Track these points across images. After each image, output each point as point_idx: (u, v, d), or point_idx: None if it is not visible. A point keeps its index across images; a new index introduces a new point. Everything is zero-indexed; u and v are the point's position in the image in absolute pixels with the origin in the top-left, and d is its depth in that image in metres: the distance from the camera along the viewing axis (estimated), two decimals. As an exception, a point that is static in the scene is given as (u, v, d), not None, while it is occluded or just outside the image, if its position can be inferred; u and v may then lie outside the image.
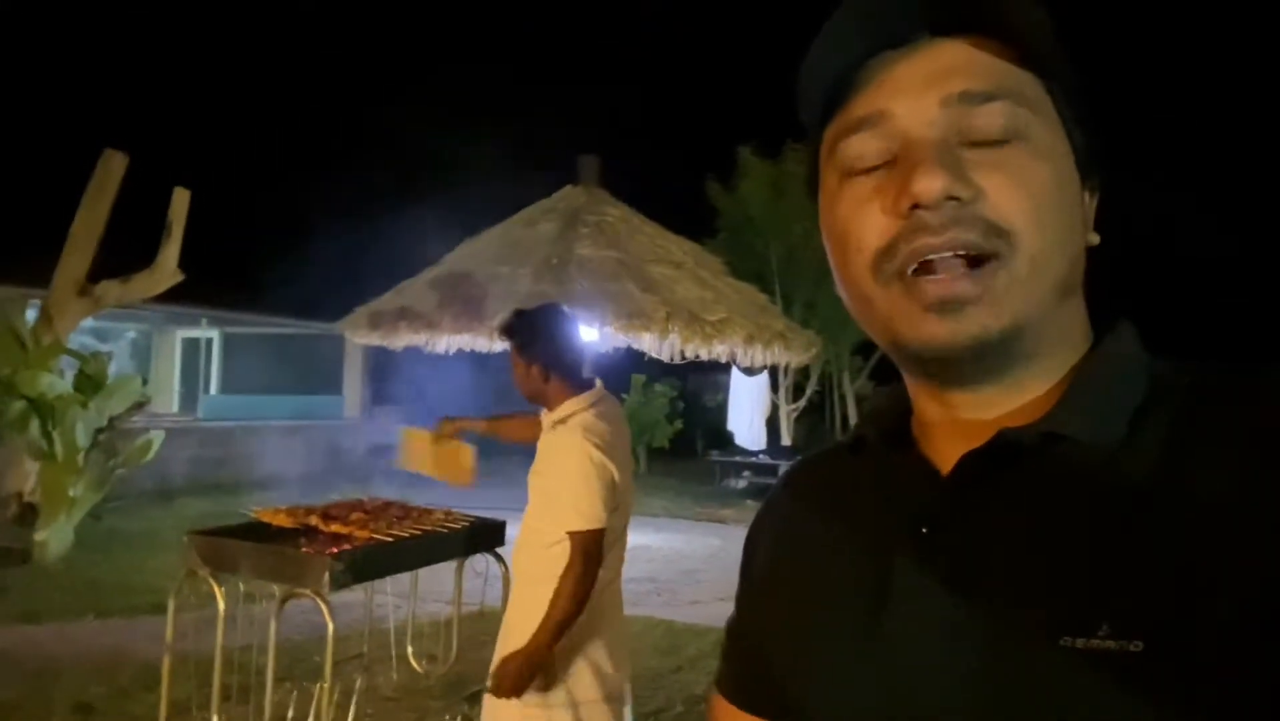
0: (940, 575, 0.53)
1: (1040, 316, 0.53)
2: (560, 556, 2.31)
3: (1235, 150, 22.47)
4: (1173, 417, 0.52)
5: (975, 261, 0.52)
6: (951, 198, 0.51)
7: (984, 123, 0.53)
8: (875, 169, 0.55)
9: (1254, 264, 19.08)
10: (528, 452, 2.80)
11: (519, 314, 2.60)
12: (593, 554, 2.30)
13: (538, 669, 2.27)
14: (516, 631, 2.36)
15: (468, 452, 3.12)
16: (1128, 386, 0.54)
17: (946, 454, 0.58)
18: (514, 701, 2.30)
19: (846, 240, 0.56)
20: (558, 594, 2.26)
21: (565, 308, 2.70)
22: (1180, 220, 19.61)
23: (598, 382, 2.54)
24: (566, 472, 2.33)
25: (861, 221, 0.55)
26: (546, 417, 2.51)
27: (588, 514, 2.30)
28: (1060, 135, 0.55)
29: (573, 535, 2.30)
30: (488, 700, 2.41)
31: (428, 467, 3.11)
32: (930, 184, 0.51)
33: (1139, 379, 0.55)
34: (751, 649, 0.68)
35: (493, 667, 2.43)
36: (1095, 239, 0.58)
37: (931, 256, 0.52)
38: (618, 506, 2.42)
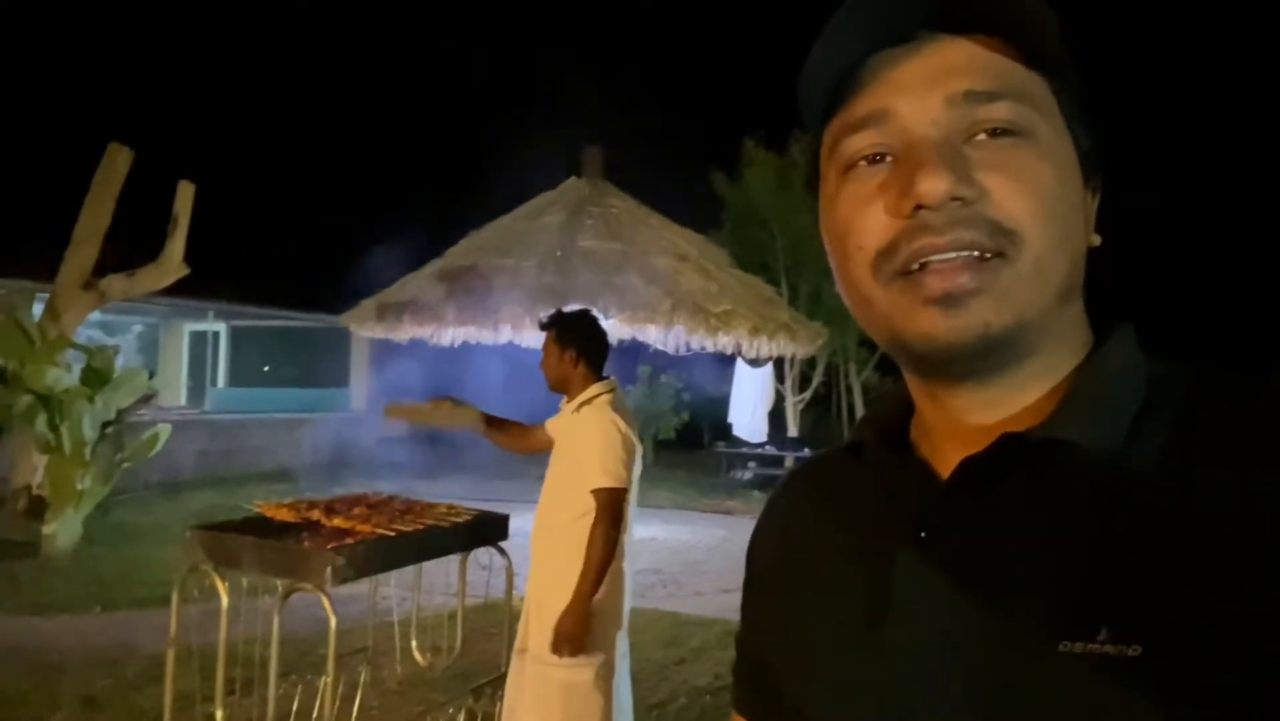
0: (940, 580, 0.53)
1: (1042, 316, 0.53)
2: (589, 527, 2.56)
3: (1232, 150, 22.31)
4: (1173, 421, 0.51)
5: (979, 260, 0.51)
6: (955, 198, 0.51)
7: (989, 122, 0.52)
8: (877, 168, 0.54)
9: (1252, 265, 18.98)
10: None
11: (562, 310, 2.90)
12: (617, 509, 2.56)
13: (587, 618, 2.52)
14: (552, 603, 2.57)
15: (469, 410, 3.04)
16: (1128, 390, 0.54)
17: (946, 457, 0.57)
18: (558, 663, 2.53)
19: (847, 239, 0.56)
20: (590, 546, 2.52)
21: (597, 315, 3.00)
22: (1177, 222, 19.51)
23: (612, 378, 2.80)
24: (593, 438, 2.59)
25: (862, 221, 0.54)
26: (569, 405, 2.75)
27: (613, 471, 2.56)
28: (1065, 135, 0.54)
29: (599, 492, 2.55)
30: (532, 669, 2.62)
31: (422, 417, 3.05)
32: (934, 184, 0.50)
33: (1139, 382, 0.54)
34: (757, 659, 0.67)
35: (519, 644, 2.67)
36: (1096, 240, 0.58)
37: (934, 257, 0.51)
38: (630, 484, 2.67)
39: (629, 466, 2.60)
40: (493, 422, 3.05)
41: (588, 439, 2.61)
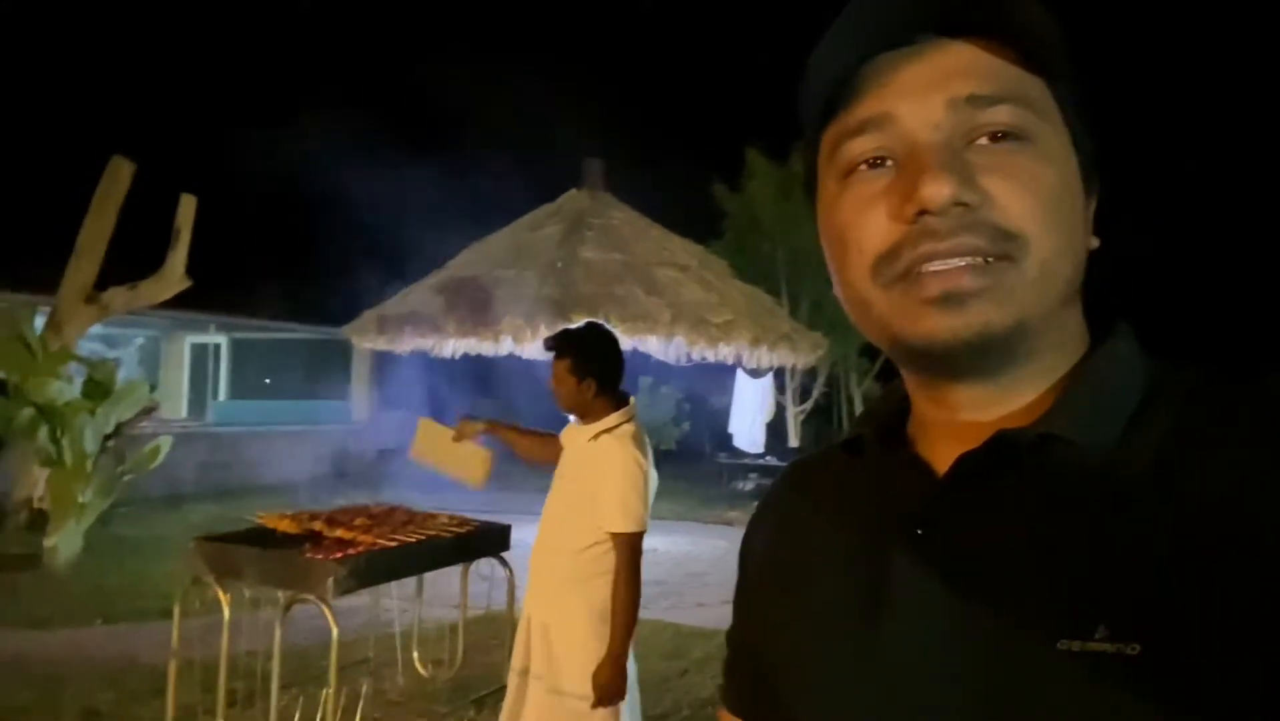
0: (936, 577, 0.53)
1: (1044, 318, 0.53)
2: (598, 556, 2.48)
3: (1232, 151, 22.32)
4: (1170, 420, 0.51)
5: (983, 264, 0.51)
6: (959, 203, 0.50)
7: (990, 126, 0.52)
8: (878, 172, 0.54)
9: (1252, 266, 18.97)
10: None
11: (572, 332, 2.74)
12: (638, 553, 2.47)
13: (625, 669, 2.45)
14: (560, 631, 2.50)
15: (486, 456, 3.08)
16: (1125, 389, 0.54)
17: (943, 454, 0.57)
18: (577, 694, 2.45)
19: (846, 243, 0.55)
20: (618, 597, 2.43)
21: (606, 326, 2.88)
22: (1177, 222, 19.51)
23: (632, 399, 2.66)
24: (614, 477, 2.47)
25: (863, 225, 0.54)
26: (584, 428, 2.62)
27: (635, 516, 2.45)
28: (1066, 139, 0.54)
29: (620, 536, 2.45)
30: (543, 697, 2.52)
31: (439, 461, 3.08)
32: (938, 190, 0.50)
33: (1137, 381, 0.54)
34: (749, 656, 0.67)
35: (518, 664, 2.58)
36: (1095, 243, 0.58)
37: (936, 264, 0.51)
38: None
39: (647, 506, 2.51)
40: (511, 434, 3.00)
41: (606, 473, 2.48)
